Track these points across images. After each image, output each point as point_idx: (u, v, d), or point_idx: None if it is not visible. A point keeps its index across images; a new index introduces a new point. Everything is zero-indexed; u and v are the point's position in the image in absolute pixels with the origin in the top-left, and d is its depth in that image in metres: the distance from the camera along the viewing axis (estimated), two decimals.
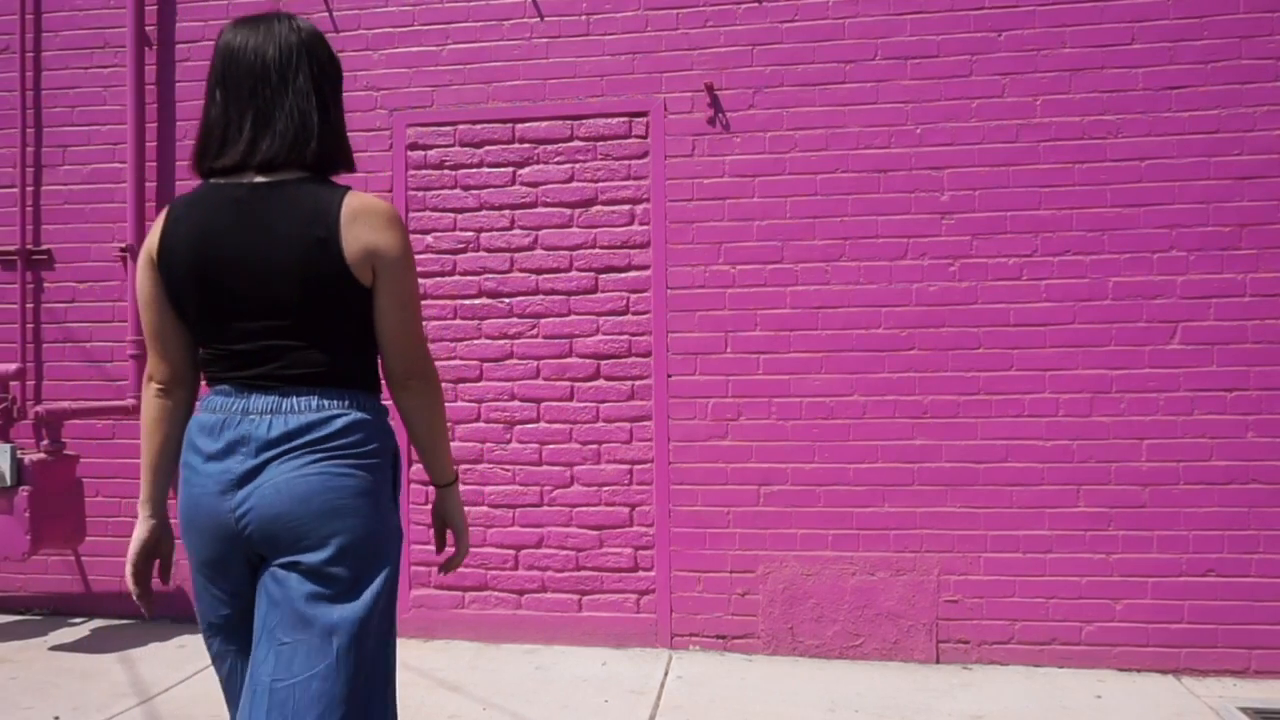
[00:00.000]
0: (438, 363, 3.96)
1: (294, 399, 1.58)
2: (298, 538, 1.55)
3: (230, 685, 1.70)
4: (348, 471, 1.58)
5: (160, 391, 1.71)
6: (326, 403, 1.60)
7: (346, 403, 1.62)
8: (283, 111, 1.61)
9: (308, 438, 1.56)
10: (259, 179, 1.60)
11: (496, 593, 4.10)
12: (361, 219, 1.58)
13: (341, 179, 1.74)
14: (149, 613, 1.80)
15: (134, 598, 1.76)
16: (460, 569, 4.06)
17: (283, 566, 1.57)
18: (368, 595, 1.58)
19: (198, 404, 1.71)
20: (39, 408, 4.05)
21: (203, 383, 1.73)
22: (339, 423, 1.59)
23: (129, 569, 1.73)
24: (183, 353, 1.70)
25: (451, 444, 1.88)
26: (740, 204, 3.97)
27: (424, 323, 1.96)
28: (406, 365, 1.67)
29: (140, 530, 1.74)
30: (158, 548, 1.77)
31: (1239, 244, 3.69)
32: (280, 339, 1.59)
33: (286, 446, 1.56)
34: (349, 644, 1.55)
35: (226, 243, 1.57)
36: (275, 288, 1.56)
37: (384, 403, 1.73)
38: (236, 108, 1.61)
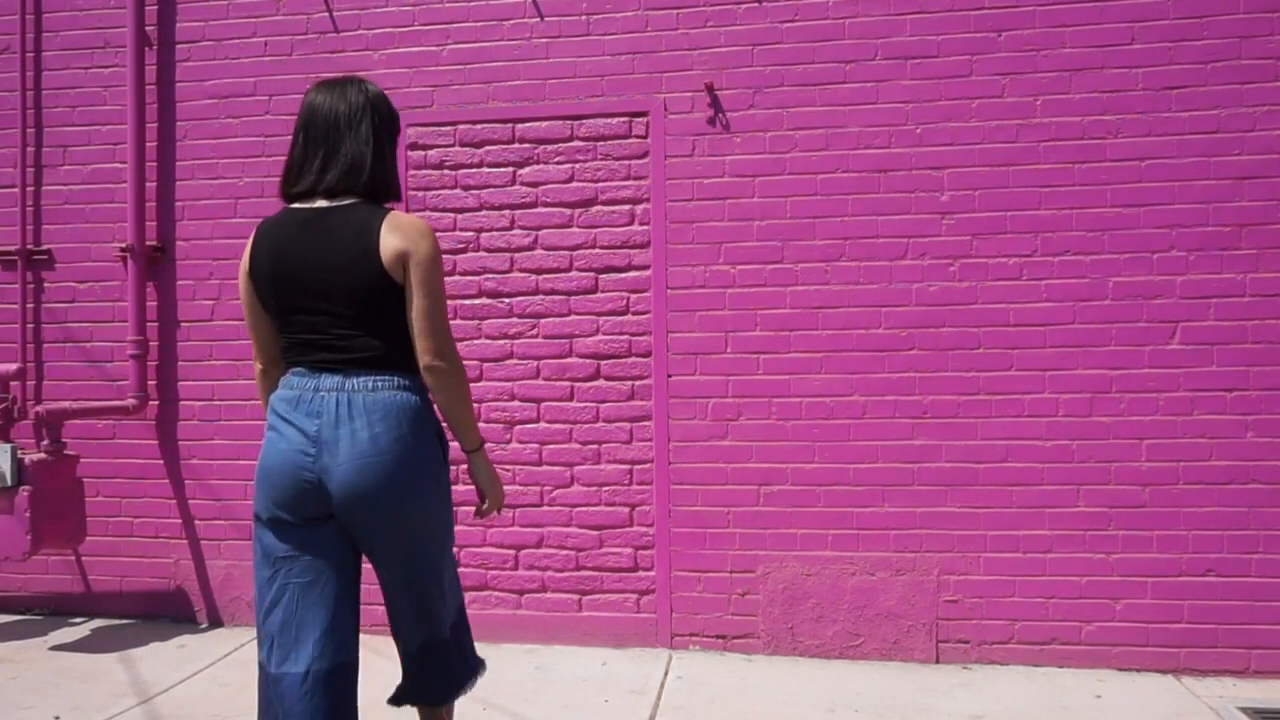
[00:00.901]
0: None
1: (354, 379, 2.03)
2: (376, 507, 2.01)
3: (283, 609, 2.06)
4: (404, 449, 2.02)
5: (263, 372, 2.23)
6: (379, 381, 2.04)
7: (396, 381, 2.05)
8: (345, 150, 2.09)
9: (370, 417, 2.00)
10: (323, 203, 2.08)
11: (496, 593, 4.10)
12: (396, 231, 2.02)
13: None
14: None
15: None
16: (460, 568, 4.06)
17: (363, 529, 2.04)
18: (433, 542, 2.12)
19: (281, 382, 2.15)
20: (39, 408, 4.05)
21: None
22: (393, 399, 2.03)
23: None
24: (275, 342, 2.19)
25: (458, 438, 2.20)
26: (740, 204, 3.97)
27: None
28: (431, 349, 2.05)
29: None
30: None
31: (1239, 244, 3.69)
32: (340, 329, 2.04)
33: (353, 426, 1.99)
34: (428, 575, 2.15)
35: (296, 256, 2.05)
36: (332, 290, 2.02)
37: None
38: (313, 148, 2.10)
